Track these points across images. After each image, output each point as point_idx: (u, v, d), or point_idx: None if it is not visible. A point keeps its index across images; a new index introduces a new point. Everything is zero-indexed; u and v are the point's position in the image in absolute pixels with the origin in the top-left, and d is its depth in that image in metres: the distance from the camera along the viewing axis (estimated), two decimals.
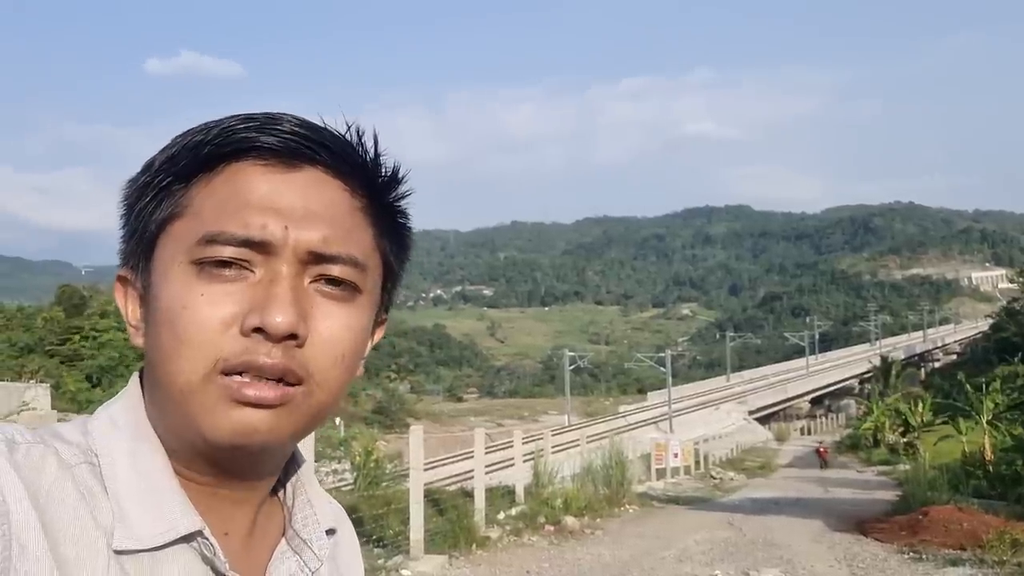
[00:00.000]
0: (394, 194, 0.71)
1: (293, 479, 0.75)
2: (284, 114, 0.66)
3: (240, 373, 0.61)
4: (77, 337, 31.64)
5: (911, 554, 9.88)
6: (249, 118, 0.65)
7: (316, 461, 8.45)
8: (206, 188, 0.65)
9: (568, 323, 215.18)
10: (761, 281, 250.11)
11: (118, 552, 0.60)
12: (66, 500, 0.60)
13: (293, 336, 0.61)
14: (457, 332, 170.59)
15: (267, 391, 0.61)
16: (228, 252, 0.62)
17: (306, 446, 6.16)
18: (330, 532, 0.74)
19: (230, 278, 0.62)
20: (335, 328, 0.64)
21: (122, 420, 0.66)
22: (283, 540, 0.72)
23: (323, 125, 0.67)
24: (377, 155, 0.69)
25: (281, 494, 0.75)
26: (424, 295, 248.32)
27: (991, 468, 19.34)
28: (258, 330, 0.61)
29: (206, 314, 0.61)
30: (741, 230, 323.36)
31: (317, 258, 0.64)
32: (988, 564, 8.81)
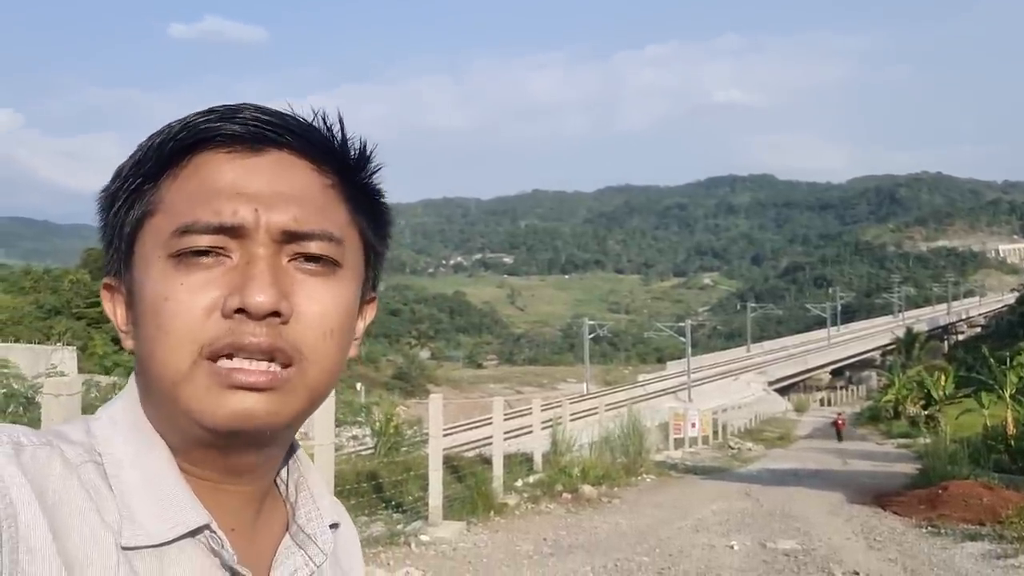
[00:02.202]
0: (365, 172, 0.71)
1: (295, 474, 0.75)
2: (245, 104, 0.67)
3: (229, 357, 0.62)
4: None
5: (929, 528, 9.82)
6: (210, 111, 0.66)
7: (337, 427, 8.55)
8: (175, 183, 0.66)
9: (588, 292, 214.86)
10: (784, 251, 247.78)
11: (126, 549, 0.61)
12: (73, 500, 0.60)
13: (276, 314, 0.62)
14: (477, 299, 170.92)
15: (257, 376, 0.62)
16: (204, 241, 0.63)
17: (327, 412, 6.21)
18: (333, 527, 0.75)
19: (208, 265, 0.63)
20: (319, 303, 0.65)
21: (121, 418, 0.67)
22: (287, 535, 0.72)
23: (288, 112, 0.68)
24: (345, 139, 0.70)
25: (283, 489, 0.75)
26: (445, 262, 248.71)
27: (1013, 443, 19.15)
28: (240, 311, 0.61)
29: (188, 302, 0.62)
30: (764, 199, 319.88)
31: (292, 236, 0.64)
32: (1007, 539, 8.73)
